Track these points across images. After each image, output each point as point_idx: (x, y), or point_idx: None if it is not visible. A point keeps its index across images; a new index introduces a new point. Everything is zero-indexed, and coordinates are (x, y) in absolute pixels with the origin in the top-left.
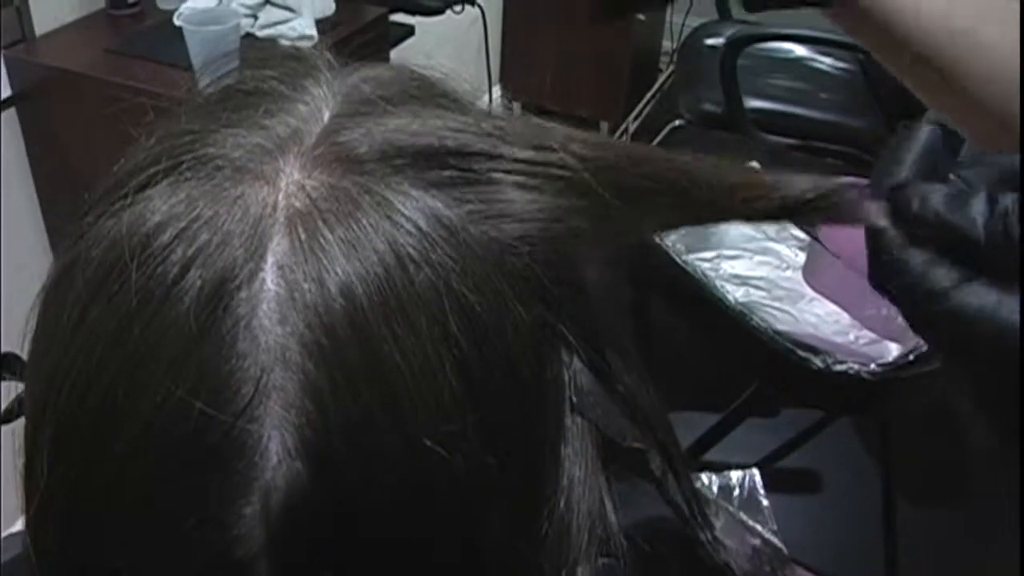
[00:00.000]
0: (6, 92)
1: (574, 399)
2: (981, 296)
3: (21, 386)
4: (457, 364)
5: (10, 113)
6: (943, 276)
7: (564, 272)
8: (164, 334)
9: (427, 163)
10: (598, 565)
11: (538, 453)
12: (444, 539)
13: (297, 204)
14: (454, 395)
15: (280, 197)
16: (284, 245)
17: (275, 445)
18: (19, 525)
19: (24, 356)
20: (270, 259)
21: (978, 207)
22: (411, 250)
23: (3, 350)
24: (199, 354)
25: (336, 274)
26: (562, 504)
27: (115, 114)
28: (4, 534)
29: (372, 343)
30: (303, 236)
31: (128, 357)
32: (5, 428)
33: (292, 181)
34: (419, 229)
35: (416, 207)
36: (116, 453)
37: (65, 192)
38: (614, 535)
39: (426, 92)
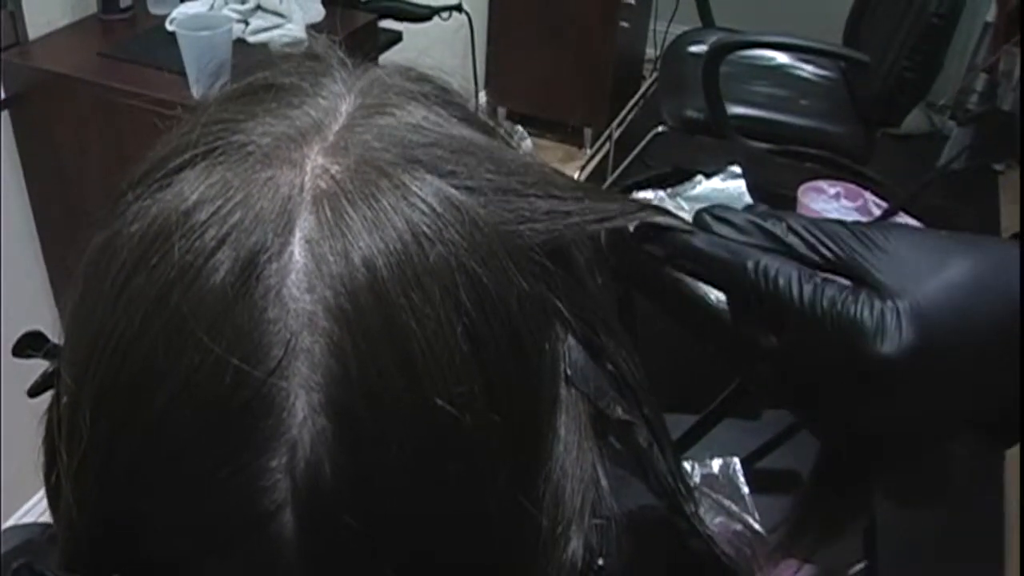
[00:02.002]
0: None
1: (568, 372)
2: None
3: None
4: (467, 331)
5: (3, 115)
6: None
7: (559, 254)
8: (201, 301)
9: (436, 153)
10: (591, 525)
11: (536, 416)
12: (454, 490)
13: (322, 185)
14: (464, 359)
15: (307, 179)
16: (311, 222)
17: (301, 403)
18: (16, 520)
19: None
20: (298, 234)
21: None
22: (426, 228)
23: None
24: (233, 319)
25: (359, 248)
26: (558, 468)
27: (107, 116)
28: (4, 527)
29: (391, 310)
30: (329, 214)
31: (168, 321)
32: (4, 425)
33: (317, 165)
34: (433, 210)
35: (430, 190)
36: (155, 409)
37: (57, 193)
38: (605, 499)
39: (430, 90)
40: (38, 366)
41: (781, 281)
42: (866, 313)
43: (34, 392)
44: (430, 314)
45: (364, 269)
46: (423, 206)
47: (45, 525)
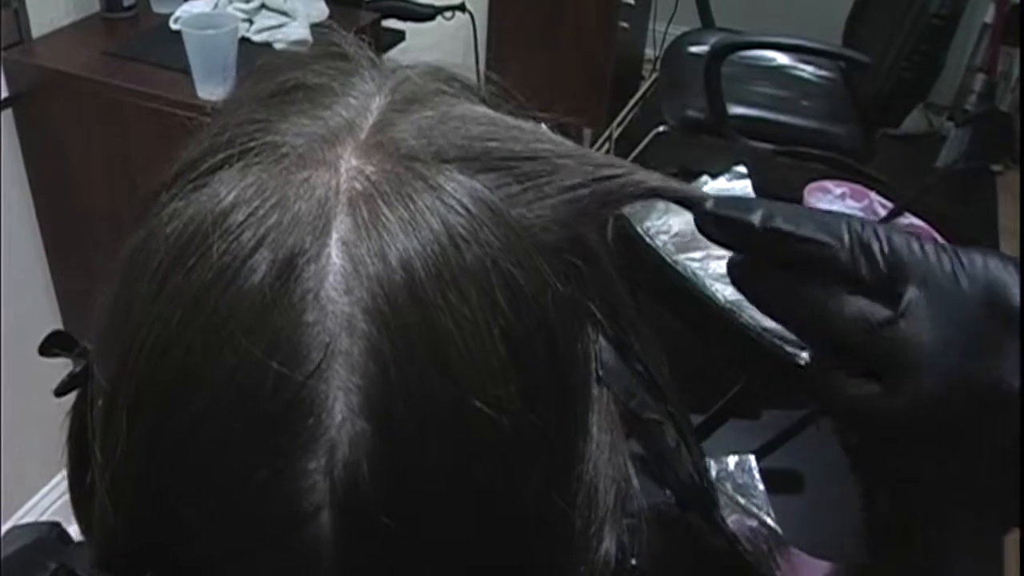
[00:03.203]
0: (2, 93)
1: (600, 372)
2: (915, 325)
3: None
4: (503, 332)
5: (6, 114)
6: (876, 309)
7: (587, 252)
8: (239, 303)
9: (469, 152)
10: (623, 524)
11: (570, 416)
12: (490, 490)
13: (358, 187)
14: (501, 360)
15: (342, 180)
16: (347, 223)
17: (340, 405)
18: (16, 520)
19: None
20: (335, 236)
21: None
22: (462, 229)
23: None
24: (272, 322)
25: (396, 249)
26: (590, 467)
27: (111, 115)
28: (4, 527)
29: (429, 312)
30: (365, 215)
31: (206, 323)
32: (5, 424)
33: (351, 166)
34: (468, 210)
35: (464, 191)
36: (194, 411)
37: (61, 191)
38: (636, 498)
39: (459, 88)
40: (40, 366)
41: (896, 239)
42: (1008, 268)
43: (61, 392)
44: (467, 315)
45: (401, 271)
46: (459, 207)
47: (52, 523)
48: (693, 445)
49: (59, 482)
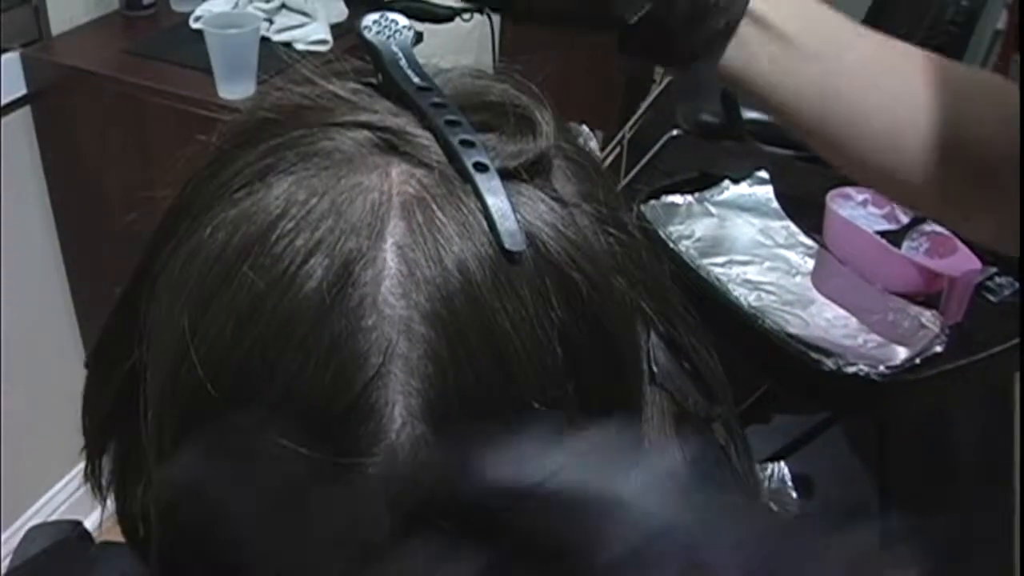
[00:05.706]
0: (22, 91)
1: (654, 369)
2: None
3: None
4: (559, 332)
5: (25, 111)
6: None
7: (635, 251)
8: (295, 311)
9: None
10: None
11: (625, 415)
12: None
13: (409, 190)
14: (557, 360)
15: (393, 184)
16: (401, 227)
17: (399, 408)
18: (18, 525)
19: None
20: (389, 240)
21: None
22: None
23: (5, 346)
24: (330, 327)
25: (452, 253)
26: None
27: (131, 114)
28: (5, 533)
29: (486, 314)
30: (420, 219)
31: (261, 333)
32: (5, 427)
33: (401, 170)
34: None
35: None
36: (252, 420)
37: (77, 191)
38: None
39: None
40: (42, 368)
41: None
42: None
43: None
44: (524, 316)
45: (458, 274)
46: None
47: (74, 522)
48: (741, 443)
49: (67, 482)
